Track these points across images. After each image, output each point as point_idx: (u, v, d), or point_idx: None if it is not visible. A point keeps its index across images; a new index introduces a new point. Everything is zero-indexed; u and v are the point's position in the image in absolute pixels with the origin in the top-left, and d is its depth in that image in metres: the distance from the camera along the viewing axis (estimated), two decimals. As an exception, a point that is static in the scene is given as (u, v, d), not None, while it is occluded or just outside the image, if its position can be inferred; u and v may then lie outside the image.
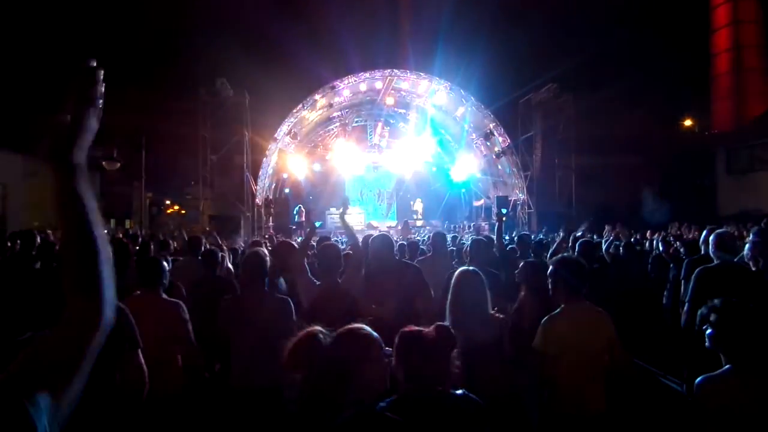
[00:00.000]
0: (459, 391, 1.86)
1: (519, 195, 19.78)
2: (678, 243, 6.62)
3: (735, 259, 4.00)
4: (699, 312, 2.43)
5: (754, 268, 3.87)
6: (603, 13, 28.87)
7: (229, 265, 5.42)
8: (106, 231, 0.94)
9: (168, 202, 28.27)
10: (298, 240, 9.02)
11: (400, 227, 18.70)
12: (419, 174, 22.72)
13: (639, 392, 4.43)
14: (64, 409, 0.83)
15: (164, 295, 3.37)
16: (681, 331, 4.07)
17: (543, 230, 11.66)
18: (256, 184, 18.87)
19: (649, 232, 10.81)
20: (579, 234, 6.21)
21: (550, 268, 2.99)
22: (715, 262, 3.82)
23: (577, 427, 2.74)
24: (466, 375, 1.99)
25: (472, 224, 19.36)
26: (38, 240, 4.93)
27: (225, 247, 6.06)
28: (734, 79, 30.47)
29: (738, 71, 30.36)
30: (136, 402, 2.55)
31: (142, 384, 2.56)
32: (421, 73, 19.41)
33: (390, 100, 20.23)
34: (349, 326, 1.64)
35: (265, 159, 19.12)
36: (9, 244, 6.32)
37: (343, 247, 4.94)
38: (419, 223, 22.14)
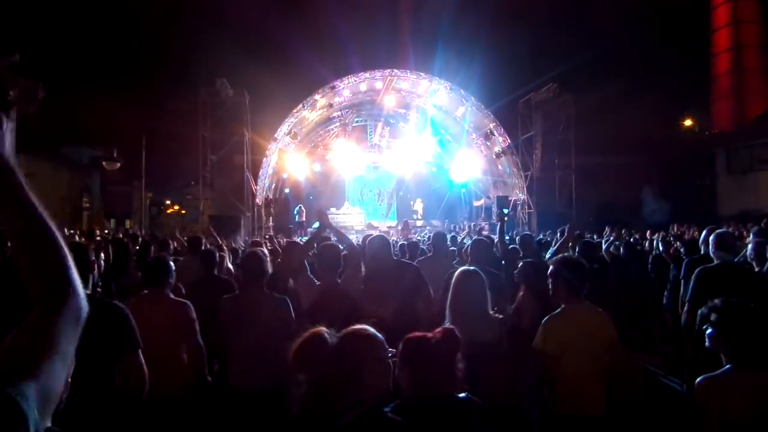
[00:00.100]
0: (462, 394, 1.86)
1: (519, 195, 19.78)
2: (678, 243, 6.63)
3: (735, 260, 4.01)
4: (699, 312, 2.43)
5: (757, 269, 3.87)
6: (603, 13, 28.89)
7: (229, 265, 5.43)
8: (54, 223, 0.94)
9: (168, 202, 28.29)
10: (300, 240, 9.02)
11: (400, 227, 18.71)
12: (419, 174, 22.71)
13: (639, 392, 4.43)
14: (53, 398, 0.83)
15: (171, 295, 3.36)
16: (681, 331, 4.07)
17: (548, 232, 11.67)
18: (256, 184, 18.86)
19: (649, 232, 10.82)
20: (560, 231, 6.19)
21: (551, 268, 2.98)
22: (715, 262, 3.82)
23: (577, 427, 2.74)
24: (467, 375, 2.00)
25: (472, 224, 19.35)
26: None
27: (225, 247, 6.06)
28: (734, 79, 30.49)
29: (738, 71, 30.39)
30: (136, 402, 2.55)
31: (143, 384, 2.55)
32: (421, 73, 19.40)
33: (391, 102, 20.21)
34: (354, 327, 1.65)
35: (265, 159, 19.12)
36: (9, 244, 6.32)
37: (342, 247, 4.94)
38: (419, 223, 22.13)
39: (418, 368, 1.81)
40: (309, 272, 4.27)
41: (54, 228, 0.91)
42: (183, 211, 26.93)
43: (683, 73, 29.66)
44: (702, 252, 4.59)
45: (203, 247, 5.23)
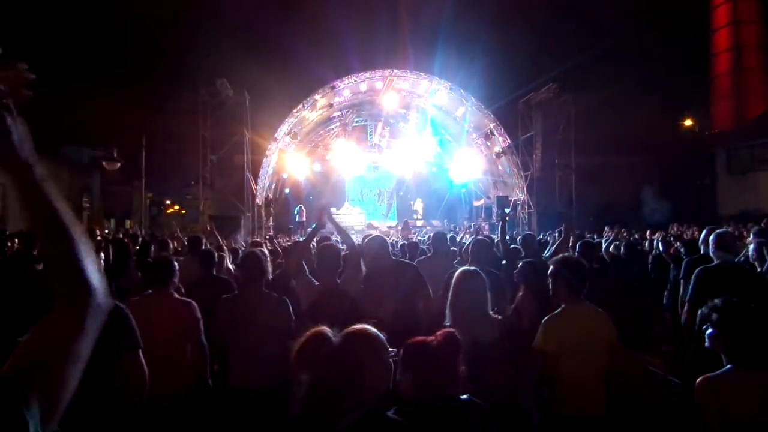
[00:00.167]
0: (464, 396, 1.88)
1: (519, 195, 19.78)
2: (678, 243, 6.63)
3: (736, 260, 4.01)
4: (699, 312, 2.43)
5: (759, 269, 3.87)
6: (603, 13, 28.88)
7: (230, 265, 5.42)
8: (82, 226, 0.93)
9: (168, 202, 28.28)
10: (300, 240, 9.02)
11: (400, 227, 18.71)
12: (419, 174, 22.72)
13: (639, 392, 4.42)
14: (64, 404, 0.82)
15: (176, 294, 3.36)
16: (681, 331, 4.07)
17: (548, 232, 11.69)
18: (256, 184, 18.86)
19: (648, 232, 10.82)
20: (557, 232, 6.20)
21: (551, 268, 2.98)
22: (715, 262, 3.82)
23: (577, 427, 2.74)
24: (467, 376, 2.00)
25: (472, 224, 19.35)
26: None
27: (225, 248, 6.06)
28: (734, 79, 30.50)
29: (738, 71, 30.40)
30: (136, 403, 2.55)
31: (143, 384, 2.55)
32: (421, 73, 19.39)
33: (391, 102, 20.19)
34: (355, 326, 1.65)
35: (265, 159, 19.12)
36: (9, 244, 6.32)
37: (342, 247, 4.93)
38: (419, 223, 22.15)
39: (420, 372, 1.82)
40: (308, 273, 4.27)
41: (73, 227, 0.90)
42: (183, 211, 26.91)
43: (683, 73, 29.68)
44: (702, 252, 4.60)
45: (203, 247, 5.22)
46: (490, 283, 2.95)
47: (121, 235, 9.44)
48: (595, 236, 9.53)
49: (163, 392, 2.85)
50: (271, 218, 19.38)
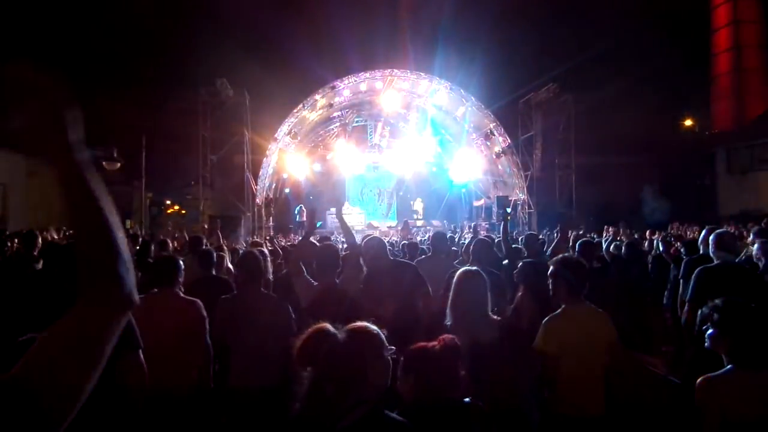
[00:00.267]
0: (466, 399, 1.90)
1: (519, 195, 19.78)
2: (678, 243, 6.63)
3: (737, 260, 4.01)
4: (699, 312, 2.43)
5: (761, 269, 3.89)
6: (603, 13, 28.88)
7: (230, 265, 5.42)
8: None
9: (168, 202, 28.25)
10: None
11: (400, 227, 18.70)
12: (419, 174, 22.72)
13: (639, 392, 4.43)
14: (69, 415, 0.77)
15: (182, 294, 3.36)
16: (681, 331, 4.07)
17: (545, 231, 11.69)
18: (256, 184, 18.86)
19: (648, 231, 10.82)
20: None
21: (551, 268, 2.98)
22: (716, 261, 3.82)
23: (577, 427, 2.74)
24: (468, 378, 2.02)
25: (472, 224, 19.37)
26: (40, 240, 4.94)
27: (226, 248, 6.06)
28: (734, 79, 30.48)
29: (738, 71, 30.37)
30: (136, 403, 2.55)
31: (143, 385, 2.55)
32: (421, 73, 19.39)
33: (391, 102, 20.18)
34: (357, 324, 1.65)
35: (265, 159, 19.12)
36: (9, 244, 6.32)
37: (342, 247, 4.94)
38: (419, 223, 22.14)
39: (422, 375, 1.84)
40: (306, 273, 4.27)
41: (115, 222, 0.86)
42: (183, 211, 26.90)
43: (683, 73, 29.67)
44: (701, 252, 4.60)
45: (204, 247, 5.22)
46: (491, 283, 2.95)
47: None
48: (595, 236, 9.53)
49: (166, 391, 2.85)
50: (271, 218, 19.38)
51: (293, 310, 3.39)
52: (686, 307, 3.74)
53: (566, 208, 18.86)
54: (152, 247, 6.21)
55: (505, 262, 4.72)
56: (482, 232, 12.20)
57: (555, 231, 6.57)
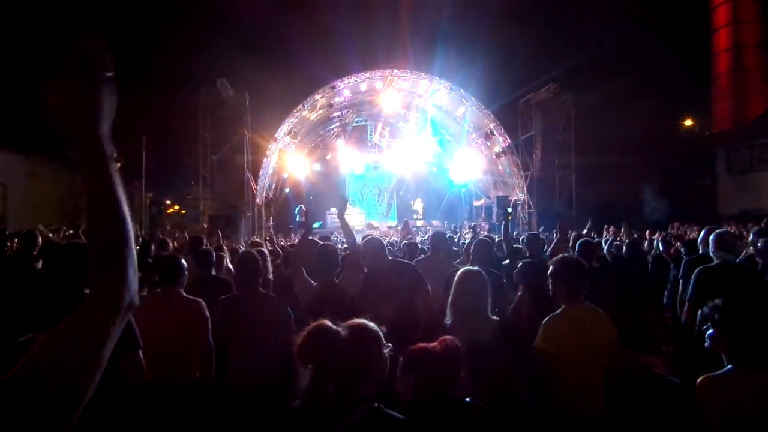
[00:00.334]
0: (467, 399, 1.91)
1: (519, 195, 19.79)
2: (678, 243, 6.63)
3: (737, 260, 4.01)
4: (699, 312, 2.43)
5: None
6: (603, 13, 28.88)
7: (230, 265, 5.42)
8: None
9: (168, 202, 28.27)
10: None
11: (400, 227, 18.71)
12: (419, 174, 22.74)
13: (639, 392, 4.43)
14: (71, 417, 0.76)
15: (184, 293, 3.36)
16: (681, 331, 4.07)
17: (541, 229, 11.71)
18: (256, 184, 18.87)
19: (648, 231, 10.81)
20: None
21: (551, 268, 2.98)
22: (715, 261, 3.82)
23: (577, 427, 2.74)
24: (468, 377, 2.02)
25: (472, 224, 19.38)
26: (40, 240, 4.93)
27: (225, 248, 6.06)
28: (734, 79, 30.50)
29: (738, 71, 30.39)
30: (136, 403, 2.55)
31: (143, 385, 2.55)
32: (421, 73, 19.40)
33: (391, 102, 20.19)
34: (357, 320, 1.65)
35: (265, 159, 19.13)
36: (9, 244, 6.33)
37: (342, 247, 4.94)
38: (419, 223, 22.15)
39: (422, 376, 1.85)
40: (305, 273, 4.27)
41: (128, 220, 0.87)
42: (183, 211, 26.91)
43: (683, 73, 29.66)
44: (701, 252, 4.60)
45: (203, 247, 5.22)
46: (491, 283, 2.95)
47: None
48: (595, 236, 9.53)
49: (169, 390, 2.85)
50: (271, 218, 19.38)
51: (293, 309, 3.40)
52: (686, 307, 3.74)
53: (566, 208, 18.86)
54: (152, 247, 6.21)
55: (506, 262, 4.73)
56: (482, 232, 12.22)
57: (554, 231, 6.57)
